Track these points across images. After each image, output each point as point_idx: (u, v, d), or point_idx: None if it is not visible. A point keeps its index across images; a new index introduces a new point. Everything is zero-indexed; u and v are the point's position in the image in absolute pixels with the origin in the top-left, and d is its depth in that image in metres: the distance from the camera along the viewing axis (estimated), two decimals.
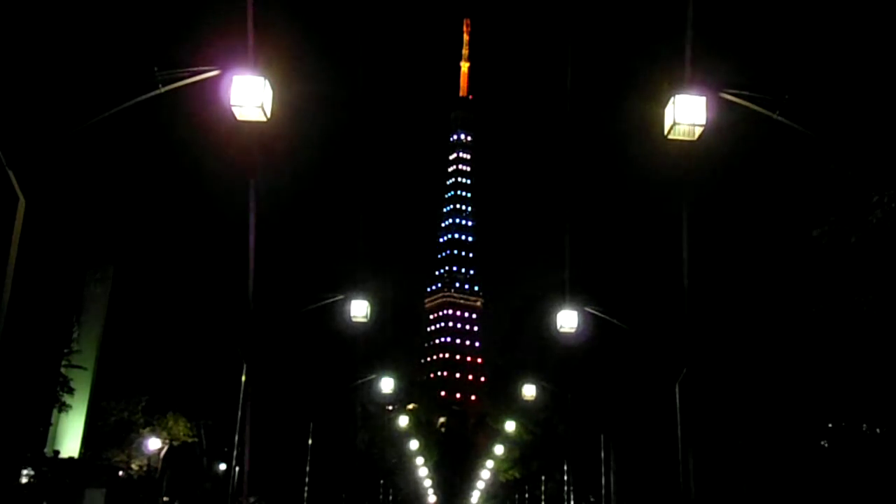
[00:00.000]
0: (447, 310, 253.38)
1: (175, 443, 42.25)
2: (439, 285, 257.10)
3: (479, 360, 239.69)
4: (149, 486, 42.00)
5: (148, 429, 40.97)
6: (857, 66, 17.93)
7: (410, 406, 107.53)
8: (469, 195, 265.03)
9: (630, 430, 41.53)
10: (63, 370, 34.05)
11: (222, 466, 45.70)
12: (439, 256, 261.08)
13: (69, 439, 38.47)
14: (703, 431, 29.41)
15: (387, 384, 51.00)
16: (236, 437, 28.96)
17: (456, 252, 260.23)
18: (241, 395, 28.45)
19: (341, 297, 31.53)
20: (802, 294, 21.05)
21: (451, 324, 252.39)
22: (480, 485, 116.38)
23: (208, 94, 15.19)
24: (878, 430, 24.49)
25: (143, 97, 14.74)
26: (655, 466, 38.53)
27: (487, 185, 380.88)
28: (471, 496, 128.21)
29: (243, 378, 28.62)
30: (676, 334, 27.82)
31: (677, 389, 26.26)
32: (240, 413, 28.48)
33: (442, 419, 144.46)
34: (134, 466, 41.70)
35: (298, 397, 45.08)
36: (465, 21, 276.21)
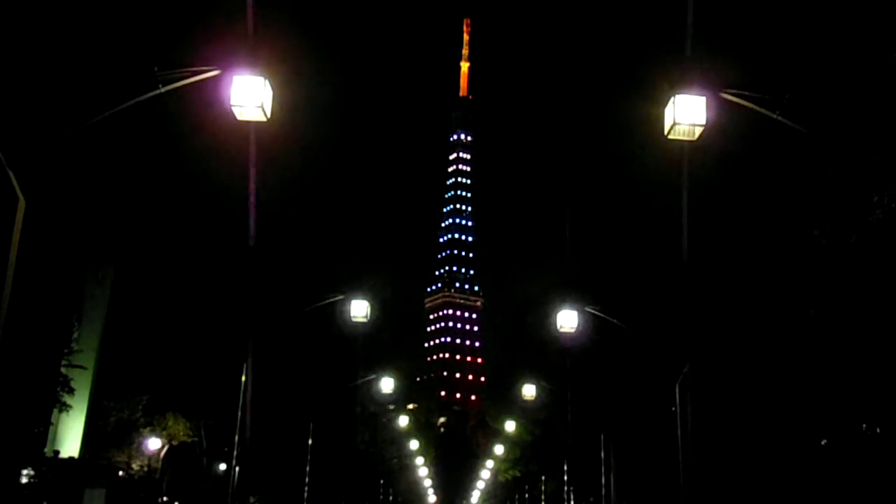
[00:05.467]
0: (447, 310, 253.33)
1: (175, 443, 42.26)
2: (439, 285, 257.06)
3: (479, 360, 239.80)
4: (149, 486, 42.01)
5: (148, 429, 40.99)
6: (857, 66, 17.92)
7: (410, 406, 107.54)
8: (469, 195, 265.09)
9: (630, 430, 41.52)
10: (63, 370, 34.04)
11: (222, 466, 45.71)
12: (439, 256, 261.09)
13: (69, 439, 38.45)
14: (703, 431, 29.40)
15: (387, 384, 51.00)
16: (236, 437, 28.97)
17: (456, 252, 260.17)
18: (241, 395, 28.46)
19: (341, 297, 31.56)
20: (803, 293, 21.05)
21: (451, 324, 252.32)
22: (480, 484, 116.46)
23: (208, 94, 15.19)
24: (878, 430, 24.48)
25: (143, 97, 14.73)
26: (655, 466, 38.53)
27: (487, 185, 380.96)
28: (471, 496, 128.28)
29: (243, 378, 28.63)
30: (676, 334, 27.83)
31: (677, 389, 26.27)
32: (240, 413, 28.49)
33: (442, 419, 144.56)
34: (134, 466, 41.71)
35: (298, 397, 45.08)
36: (465, 21, 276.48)
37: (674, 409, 26.25)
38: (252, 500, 48.79)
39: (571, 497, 54.70)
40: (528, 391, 51.08)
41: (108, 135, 21.02)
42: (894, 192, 15.57)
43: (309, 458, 42.97)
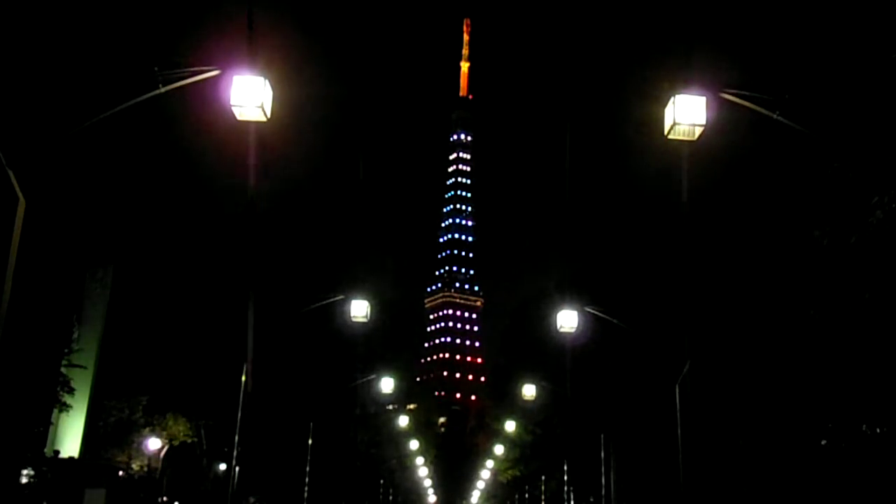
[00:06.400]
0: (447, 310, 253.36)
1: (175, 443, 42.24)
2: (439, 285, 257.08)
3: (479, 360, 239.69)
4: (149, 486, 41.99)
5: (148, 429, 40.96)
6: (856, 66, 17.92)
7: (410, 406, 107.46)
8: (469, 195, 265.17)
9: (630, 430, 41.52)
10: (63, 370, 34.02)
11: (222, 466, 45.69)
12: (439, 256, 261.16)
13: (69, 439, 38.46)
14: (703, 431, 29.40)
15: (387, 384, 51.00)
16: (236, 437, 28.96)
17: (456, 252, 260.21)
18: (241, 395, 28.46)
19: (341, 297, 31.57)
20: (803, 294, 21.05)
21: (451, 324, 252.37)
22: (480, 485, 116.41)
23: (208, 94, 15.19)
24: (878, 430, 24.47)
25: (143, 97, 14.73)
26: (655, 466, 38.52)
27: (487, 185, 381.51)
28: (471, 496, 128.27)
29: (243, 378, 28.63)
30: (676, 334, 27.83)
31: (677, 389, 26.26)
32: (240, 413, 28.48)
33: (442, 419, 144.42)
34: (134, 466, 41.70)
35: (298, 397, 45.07)
36: (465, 21, 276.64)
37: (674, 408, 26.25)
38: (252, 500, 48.80)
39: (571, 497, 54.69)
40: (528, 391, 51.08)
41: (108, 135, 21.02)
42: (894, 192, 15.57)
43: (309, 458, 42.97)
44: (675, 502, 31.28)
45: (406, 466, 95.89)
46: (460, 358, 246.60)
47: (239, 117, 14.93)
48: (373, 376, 51.83)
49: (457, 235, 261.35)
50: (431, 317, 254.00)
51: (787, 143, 18.02)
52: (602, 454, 42.20)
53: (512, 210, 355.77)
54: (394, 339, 73.55)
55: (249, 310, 32.12)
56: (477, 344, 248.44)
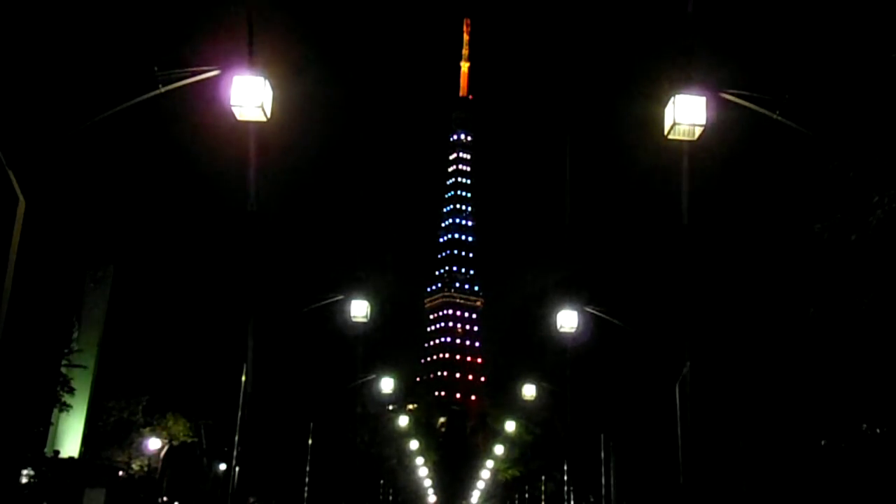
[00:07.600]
0: (447, 310, 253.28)
1: (175, 443, 42.24)
2: (439, 285, 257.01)
3: (479, 360, 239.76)
4: (149, 486, 41.99)
5: (148, 429, 40.95)
6: (856, 66, 17.91)
7: (410, 406, 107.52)
8: (469, 195, 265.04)
9: (630, 430, 41.53)
10: (63, 370, 34.01)
11: (222, 466, 45.70)
12: (439, 256, 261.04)
13: (69, 439, 38.42)
14: (703, 431, 29.40)
15: (387, 384, 51.03)
16: (236, 437, 28.97)
17: (456, 252, 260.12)
18: (241, 395, 28.46)
19: (341, 297, 31.59)
20: (803, 294, 21.05)
21: (451, 324, 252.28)
22: (480, 484, 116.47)
23: (208, 94, 15.21)
24: (878, 430, 24.46)
25: (143, 97, 14.75)
26: (655, 466, 38.53)
27: (487, 185, 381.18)
28: (471, 496, 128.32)
29: (243, 378, 28.63)
30: (676, 334, 27.82)
31: (677, 389, 26.26)
32: (240, 413, 28.49)
33: (442, 419, 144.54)
34: (134, 466, 41.69)
35: (298, 397, 45.09)
36: (465, 21, 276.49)
37: (674, 408, 26.26)
38: (252, 500, 48.78)
39: (571, 497, 54.70)
40: (528, 391, 51.13)
41: (108, 135, 21.01)
42: (894, 192, 15.56)
43: (309, 458, 42.97)
44: (675, 502, 31.28)
45: (406, 466, 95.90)
46: (460, 358, 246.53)
47: (239, 117, 14.94)
48: (373, 376, 51.84)
49: (457, 235, 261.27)
50: (431, 317, 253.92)
51: (787, 142, 18.02)
52: (602, 454, 42.22)
53: (512, 210, 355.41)
54: (394, 339, 73.59)
55: (249, 310, 32.14)
56: (477, 344, 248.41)
